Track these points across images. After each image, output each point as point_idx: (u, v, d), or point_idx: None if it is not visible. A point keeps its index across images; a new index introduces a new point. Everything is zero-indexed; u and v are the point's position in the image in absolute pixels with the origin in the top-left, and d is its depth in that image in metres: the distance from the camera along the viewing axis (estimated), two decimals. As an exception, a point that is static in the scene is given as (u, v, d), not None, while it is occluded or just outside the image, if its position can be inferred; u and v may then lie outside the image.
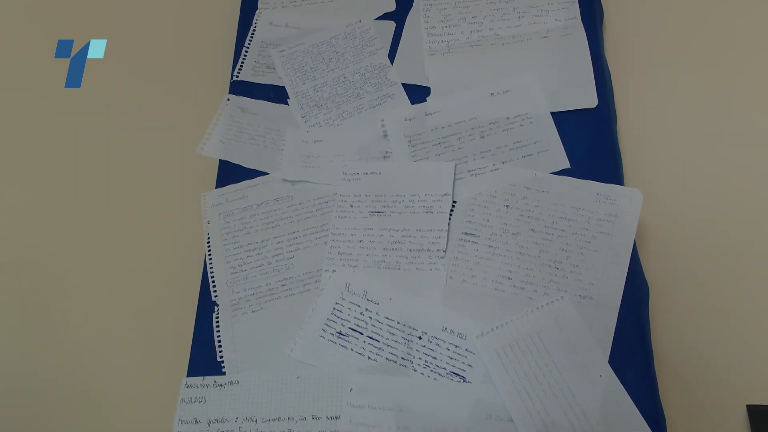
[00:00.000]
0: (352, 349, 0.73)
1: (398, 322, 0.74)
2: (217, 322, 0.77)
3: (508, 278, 0.74)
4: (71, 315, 0.82)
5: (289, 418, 0.71)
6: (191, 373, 0.74)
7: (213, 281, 0.79)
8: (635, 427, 0.65)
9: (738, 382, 0.72)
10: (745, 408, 0.70)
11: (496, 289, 0.74)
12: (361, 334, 0.74)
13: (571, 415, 0.66)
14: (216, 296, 0.78)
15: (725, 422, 0.70)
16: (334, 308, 0.76)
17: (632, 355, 0.69)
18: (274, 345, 0.75)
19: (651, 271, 0.75)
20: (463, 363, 0.71)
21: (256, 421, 0.71)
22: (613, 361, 0.69)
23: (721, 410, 0.71)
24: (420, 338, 0.73)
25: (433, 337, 0.73)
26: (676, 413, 0.68)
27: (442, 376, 0.71)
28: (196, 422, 0.71)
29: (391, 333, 0.74)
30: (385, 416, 0.69)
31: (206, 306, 0.78)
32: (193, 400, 0.73)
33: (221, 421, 0.71)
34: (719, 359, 0.73)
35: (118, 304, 0.83)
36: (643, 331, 0.70)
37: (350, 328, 0.75)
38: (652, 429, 0.65)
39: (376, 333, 0.74)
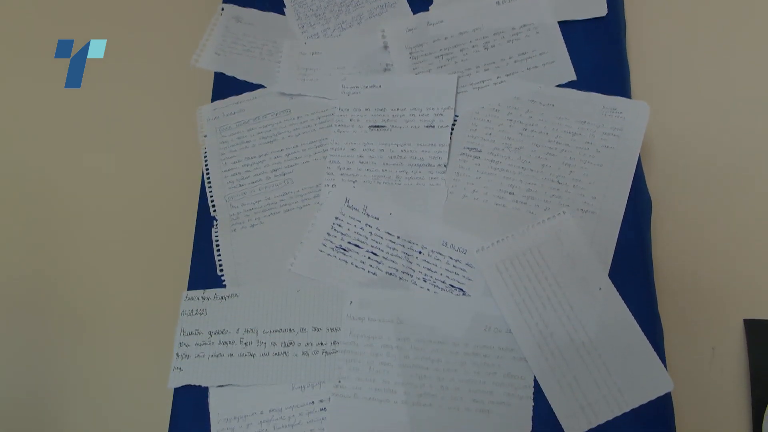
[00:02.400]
0: (352, 263, 0.73)
1: (398, 237, 0.74)
2: (216, 236, 0.76)
3: (510, 193, 0.73)
4: (71, 232, 0.82)
5: (289, 330, 0.71)
6: (192, 287, 0.75)
7: (211, 196, 0.78)
8: (633, 339, 0.66)
9: (736, 296, 0.72)
10: (742, 321, 0.71)
11: (497, 203, 0.73)
12: (361, 248, 0.74)
13: (570, 327, 0.67)
14: (215, 211, 0.77)
15: (722, 335, 0.71)
16: (333, 223, 0.75)
17: (632, 269, 0.69)
18: (273, 259, 0.75)
19: (654, 186, 0.74)
20: (463, 277, 0.71)
21: (256, 332, 0.72)
22: (613, 275, 0.69)
23: (719, 324, 0.71)
24: (420, 252, 0.73)
25: (433, 251, 0.72)
26: (673, 326, 0.69)
27: (442, 289, 0.71)
28: (198, 333, 0.72)
29: (391, 247, 0.73)
30: (384, 328, 0.70)
31: (205, 221, 0.77)
32: (194, 312, 0.73)
33: (222, 332, 0.72)
34: (718, 274, 0.73)
35: (118, 221, 0.83)
36: (644, 245, 0.70)
37: (350, 242, 0.74)
38: (649, 341, 0.66)
39: (376, 247, 0.73)
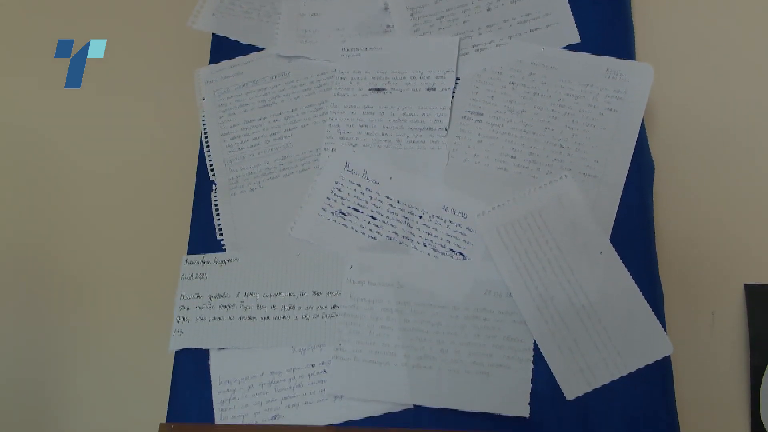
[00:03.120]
0: (352, 228, 0.73)
1: (398, 201, 0.73)
2: (216, 200, 0.76)
3: (512, 157, 0.73)
4: (70, 196, 0.81)
5: (290, 294, 0.71)
6: (191, 251, 0.74)
7: (210, 160, 0.77)
8: (633, 303, 0.66)
9: (736, 261, 0.72)
10: (742, 286, 0.71)
11: (498, 168, 0.72)
12: (361, 212, 0.73)
13: (570, 290, 0.67)
14: (213, 175, 0.77)
15: (723, 300, 0.71)
16: (333, 187, 0.74)
17: (633, 233, 0.69)
18: (273, 224, 0.74)
19: (657, 150, 0.73)
20: (464, 241, 0.71)
21: (257, 296, 0.72)
22: (614, 239, 0.68)
23: (719, 288, 0.71)
24: (420, 217, 0.72)
25: (433, 215, 0.72)
26: (674, 291, 0.69)
27: (442, 253, 0.71)
28: (198, 297, 0.72)
29: (391, 212, 0.73)
30: (384, 292, 0.70)
31: (204, 185, 0.77)
32: (194, 276, 0.73)
33: (223, 296, 0.72)
34: (719, 239, 0.72)
35: (116, 186, 0.82)
36: (646, 209, 0.70)
37: (350, 207, 0.74)
38: (650, 305, 0.66)
39: (376, 212, 0.73)
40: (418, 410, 0.66)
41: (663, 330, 0.65)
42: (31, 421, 0.74)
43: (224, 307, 0.72)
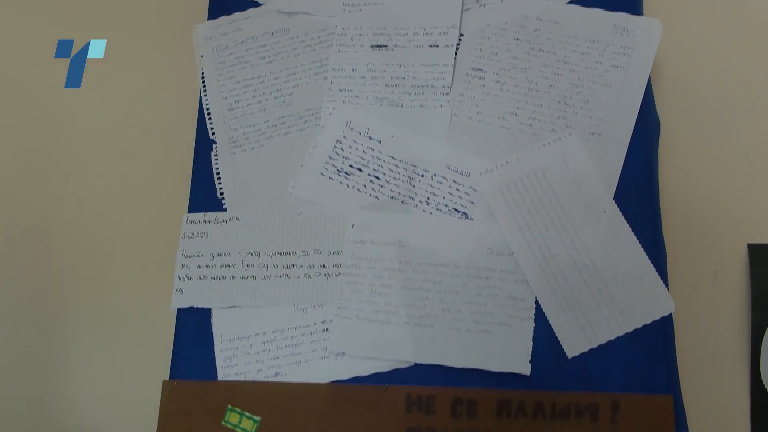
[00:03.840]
0: (353, 187, 0.72)
1: (400, 160, 0.72)
2: (216, 159, 0.75)
3: (515, 115, 0.71)
4: (70, 157, 0.80)
5: (291, 253, 0.71)
6: (192, 210, 0.74)
7: (210, 118, 0.76)
8: (636, 262, 0.66)
9: (740, 221, 0.71)
10: (745, 246, 0.70)
11: (502, 126, 0.71)
12: (363, 171, 0.72)
13: (572, 249, 0.66)
14: (213, 134, 0.76)
15: (726, 259, 0.70)
16: (334, 146, 0.74)
17: (638, 192, 0.68)
18: (274, 183, 0.74)
19: (663, 108, 0.72)
20: (466, 200, 0.70)
21: (258, 255, 0.71)
22: (618, 198, 0.68)
23: (722, 248, 0.71)
24: (422, 176, 0.71)
25: (435, 174, 0.71)
26: (678, 249, 0.68)
27: (444, 213, 0.70)
28: (200, 256, 0.72)
29: (393, 171, 0.72)
30: (386, 251, 0.70)
31: (204, 143, 0.76)
32: (195, 235, 0.73)
33: (224, 255, 0.72)
34: (723, 198, 0.72)
35: (116, 144, 0.81)
36: (651, 167, 0.69)
37: (351, 165, 0.73)
38: (653, 264, 0.66)
39: (377, 171, 0.72)
40: (419, 367, 0.67)
41: (665, 288, 0.65)
42: (34, 379, 0.75)
43: (226, 265, 0.71)
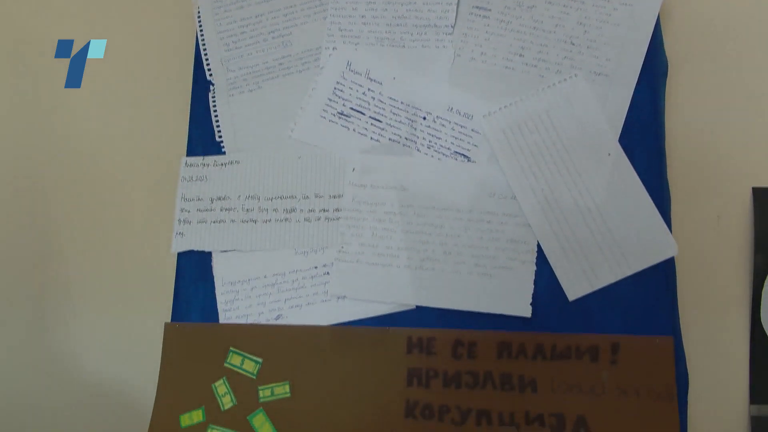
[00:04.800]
0: (354, 130, 0.71)
1: (402, 102, 0.71)
2: (214, 101, 0.74)
3: (520, 55, 0.70)
4: (69, 103, 0.79)
5: (291, 197, 0.70)
6: (190, 153, 0.73)
7: (207, 59, 0.75)
8: (640, 204, 0.65)
9: (745, 165, 0.70)
10: (750, 190, 0.69)
11: (506, 66, 0.70)
12: (364, 114, 0.71)
13: (576, 192, 0.66)
14: (211, 75, 0.74)
15: (729, 204, 0.70)
16: (335, 88, 0.72)
17: (643, 134, 0.67)
18: (273, 125, 0.72)
19: (671, 48, 0.70)
20: (469, 143, 0.69)
21: (258, 199, 0.71)
22: (623, 140, 0.67)
23: (726, 192, 0.70)
24: (424, 118, 0.70)
25: (438, 117, 0.70)
26: (682, 192, 0.68)
27: (446, 156, 0.69)
28: (199, 199, 0.71)
29: (394, 113, 0.71)
30: (387, 195, 0.69)
31: (201, 85, 0.74)
32: (194, 178, 0.72)
33: (223, 198, 0.71)
34: (729, 141, 0.71)
35: (113, 87, 0.79)
36: (657, 109, 0.68)
37: (352, 108, 0.72)
38: (657, 207, 0.65)
39: (379, 113, 0.71)
40: (420, 310, 0.67)
41: (668, 231, 0.64)
42: (36, 324, 0.75)
43: (225, 209, 0.71)
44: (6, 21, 0.78)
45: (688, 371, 0.63)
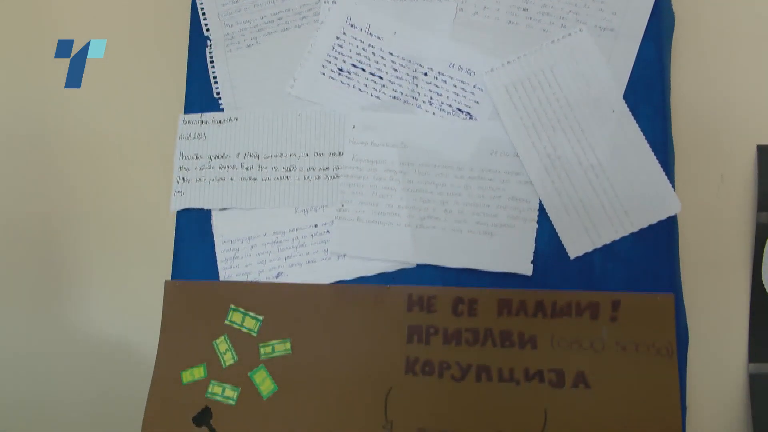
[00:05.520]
0: (354, 87, 0.70)
1: (403, 58, 0.70)
2: (211, 57, 0.72)
3: (524, 9, 0.68)
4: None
5: (291, 155, 0.70)
6: (188, 111, 0.72)
7: (203, 14, 0.73)
8: (644, 161, 0.64)
9: (750, 123, 0.69)
10: (755, 148, 0.68)
11: (509, 21, 0.68)
12: (364, 70, 0.70)
13: (579, 149, 0.65)
14: (208, 30, 0.73)
15: (734, 161, 0.69)
16: (334, 43, 0.71)
17: (649, 90, 0.66)
18: (272, 82, 0.71)
19: (679, 2, 0.68)
20: (470, 100, 0.68)
21: (257, 156, 0.70)
22: (627, 96, 0.66)
23: (731, 151, 0.69)
24: (426, 75, 0.69)
25: (439, 73, 0.69)
26: (686, 150, 0.67)
27: (448, 113, 0.68)
28: (198, 157, 0.71)
29: (395, 69, 0.70)
30: (388, 152, 0.68)
31: (198, 41, 0.73)
32: (192, 136, 0.71)
33: (222, 156, 0.70)
34: (735, 99, 0.69)
35: (110, 43, 0.77)
36: (663, 65, 0.66)
37: (352, 64, 0.70)
38: (660, 163, 0.64)
39: (379, 69, 0.70)
40: (420, 268, 0.66)
41: (672, 188, 0.64)
42: (37, 282, 0.75)
43: (224, 167, 0.70)
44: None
45: (689, 328, 0.63)
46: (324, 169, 0.69)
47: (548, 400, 0.62)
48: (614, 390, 0.62)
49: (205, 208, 0.70)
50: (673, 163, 0.66)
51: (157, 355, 0.67)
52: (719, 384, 0.65)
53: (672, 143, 0.66)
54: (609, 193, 0.64)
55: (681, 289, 0.64)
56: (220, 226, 0.70)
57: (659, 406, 0.61)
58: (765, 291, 0.66)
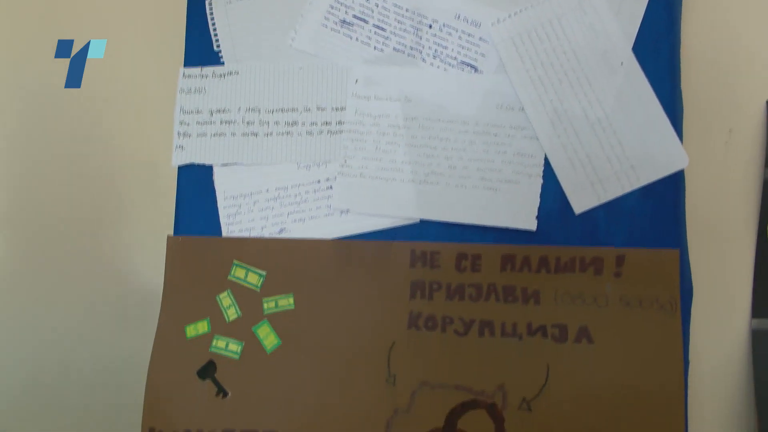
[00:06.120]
0: (357, 39, 0.68)
1: (407, 10, 0.68)
2: (211, 9, 0.71)
3: (531, -42, 0.66)
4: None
5: (293, 109, 0.69)
6: (188, 64, 0.71)
7: (202, -37, 0.71)
8: (652, 115, 0.63)
9: (761, 78, 0.68)
10: (764, 103, 0.67)
11: (516, -30, 0.66)
12: (367, 22, 0.68)
13: (586, 103, 0.64)
14: (207, -20, 0.71)
15: (743, 116, 0.68)
16: (336, -6, 0.69)
17: (658, 42, 0.65)
18: (273, 34, 0.70)
19: (692, -49, 0.66)
20: (476, 52, 0.67)
21: (259, 111, 0.69)
22: (636, 49, 0.64)
23: (741, 105, 0.68)
24: (430, 26, 0.67)
25: (444, 24, 0.67)
26: (694, 104, 0.66)
27: (453, 66, 0.67)
28: (198, 112, 0.70)
29: (399, 21, 0.68)
30: (391, 107, 0.67)
31: (197, -8, 0.71)
32: (192, 90, 0.70)
33: (223, 111, 0.69)
34: (745, 54, 0.68)
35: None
36: (673, 17, 0.65)
37: (354, 16, 0.69)
38: (669, 118, 0.63)
39: (382, 21, 0.68)
40: (424, 224, 0.66)
41: (679, 142, 0.63)
42: (35, 239, 0.75)
43: (225, 122, 0.69)
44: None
45: (693, 284, 0.63)
46: (326, 123, 0.68)
47: (551, 355, 0.63)
48: (617, 345, 0.62)
49: (207, 163, 0.69)
50: (682, 118, 0.65)
51: (161, 310, 0.68)
52: (722, 339, 0.66)
53: (681, 98, 0.65)
54: (616, 148, 0.63)
55: (686, 245, 0.64)
56: (222, 182, 0.69)
57: (661, 360, 0.61)
58: (770, 246, 0.66)
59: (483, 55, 0.66)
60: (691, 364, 0.62)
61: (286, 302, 0.66)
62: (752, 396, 0.64)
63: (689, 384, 0.62)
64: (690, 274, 0.63)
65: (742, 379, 0.65)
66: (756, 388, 0.63)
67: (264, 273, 0.67)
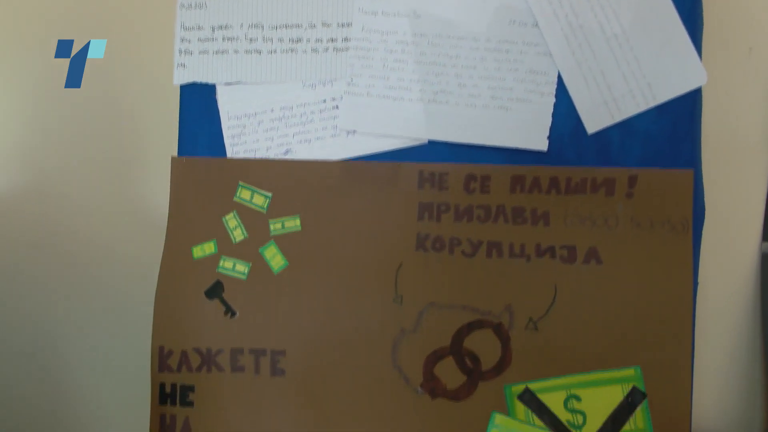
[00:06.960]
0: (363, -50, 0.65)
1: None
2: None
3: None
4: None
5: (297, 25, 0.66)
6: (188, -22, 0.67)
7: None
8: (670, 30, 0.61)
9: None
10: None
11: None
12: (374, -68, 0.65)
13: (602, 17, 0.61)
14: None
15: (764, 34, 0.65)
16: None
17: (680, -48, 0.61)
18: (276, -54, 0.66)
19: None
20: (488, -36, 0.64)
21: (262, 27, 0.66)
22: (657, -41, 0.61)
23: (762, 22, 0.65)
24: (441, -64, 0.64)
25: (455, -66, 0.64)
26: (714, 21, 0.63)
27: (464, -21, 0.64)
28: (199, 28, 0.67)
29: (407, -69, 0.65)
30: (399, 23, 0.65)
31: None
32: (193, 5, 0.68)
33: (225, 27, 0.67)
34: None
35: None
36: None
37: (361, -75, 0.65)
38: (688, 31, 0.61)
39: (390, -69, 0.65)
40: (432, 145, 0.65)
41: (698, 59, 0.60)
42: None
43: (228, 39, 0.67)
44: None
45: (705, 205, 0.62)
46: (332, 40, 0.66)
47: (559, 276, 0.62)
48: (626, 265, 0.61)
49: (209, 82, 0.67)
50: (701, 34, 0.62)
51: (167, 230, 0.67)
52: (732, 261, 0.65)
53: (702, 13, 0.62)
54: (632, 64, 0.61)
55: (701, 165, 0.62)
56: (225, 102, 0.67)
57: (671, 281, 0.61)
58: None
59: (496, -34, 0.63)
60: (700, 284, 0.62)
61: (293, 224, 0.66)
62: (759, 319, 0.64)
63: (697, 305, 0.62)
64: (703, 195, 0.62)
65: (751, 302, 0.65)
66: (763, 310, 0.63)
67: (270, 194, 0.66)
